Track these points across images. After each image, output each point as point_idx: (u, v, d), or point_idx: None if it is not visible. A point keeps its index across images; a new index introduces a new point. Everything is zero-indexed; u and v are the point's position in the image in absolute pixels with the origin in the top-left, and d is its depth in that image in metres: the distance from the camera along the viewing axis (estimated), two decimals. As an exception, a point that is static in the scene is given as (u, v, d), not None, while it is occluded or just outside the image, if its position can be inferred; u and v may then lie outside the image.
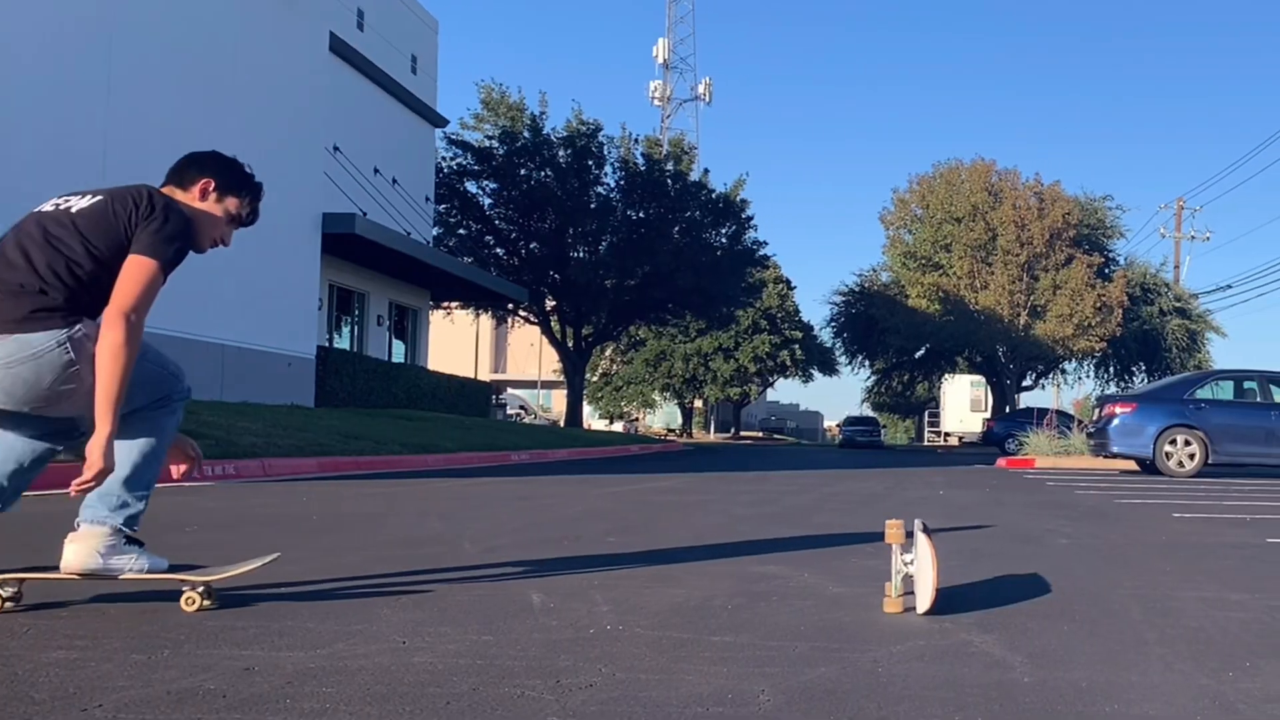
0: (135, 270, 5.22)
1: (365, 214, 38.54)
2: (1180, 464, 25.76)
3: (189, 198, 5.62)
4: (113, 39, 25.60)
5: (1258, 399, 26.85)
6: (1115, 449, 26.92)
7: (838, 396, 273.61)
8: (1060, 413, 59.02)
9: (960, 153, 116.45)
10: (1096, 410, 29.21)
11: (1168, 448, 25.98)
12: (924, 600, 5.33)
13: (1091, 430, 28.82)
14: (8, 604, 5.28)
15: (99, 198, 5.38)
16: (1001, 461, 35.05)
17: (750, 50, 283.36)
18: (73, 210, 5.35)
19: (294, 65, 32.60)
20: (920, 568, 5.33)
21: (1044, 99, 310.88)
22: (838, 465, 30.74)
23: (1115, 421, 26.78)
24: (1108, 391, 70.02)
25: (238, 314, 29.66)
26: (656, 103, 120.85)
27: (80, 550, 5.31)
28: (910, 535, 5.40)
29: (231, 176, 5.71)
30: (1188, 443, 25.93)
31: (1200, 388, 27.40)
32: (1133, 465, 28.54)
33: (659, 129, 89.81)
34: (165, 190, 5.60)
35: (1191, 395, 26.95)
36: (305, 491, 14.77)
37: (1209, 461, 26.02)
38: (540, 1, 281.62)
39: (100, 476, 5.07)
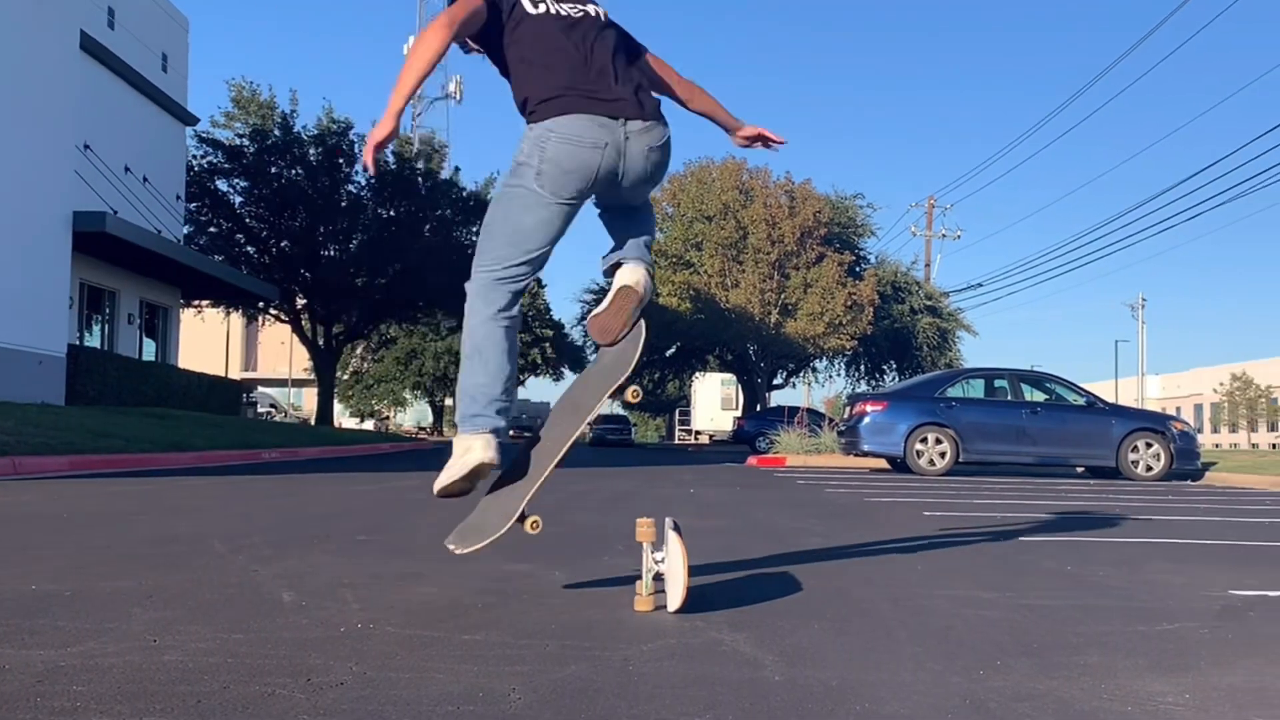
0: None
1: (116, 212, 37.98)
2: (931, 462, 26.16)
3: None
4: None
5: (1008, 397, 27.39)
6: (866, 447, 27.23)
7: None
8: (811, 411, 59.59)
9: (712, 151, 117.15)
10: (847, 409, 29.47)
11: (918, 446, 26.37)
12: (675, 598, 5.28)
13: (842, 429, 29.07)
14: None
15: None
16: (752, 460, 35.28)
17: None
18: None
19: (43, 63, 32.09)
20: (671, 566, 5.28)
21: (795, 97, 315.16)
22: (589, 464, 30.75)
23: (866, 420, 27.08)
24: (858, 390, 70.91)
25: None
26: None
27: None
28: (661, 533, 5.34)
29: None
30: (939, 441, 26.35)
31: (951, 386, 27.84)
32: (884, 464, 28.90)
33: (410, 127, 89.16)
34: None
35: (942, 394, 27.37)
36: (56, 490, 14.47)
37: (960, 460, 26.52)
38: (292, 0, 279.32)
39: None
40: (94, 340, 40.96)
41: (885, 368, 75.19)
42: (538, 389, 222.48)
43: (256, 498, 14.31)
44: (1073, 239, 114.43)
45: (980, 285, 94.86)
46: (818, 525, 11.42)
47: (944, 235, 75.02)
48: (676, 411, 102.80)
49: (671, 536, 5.18)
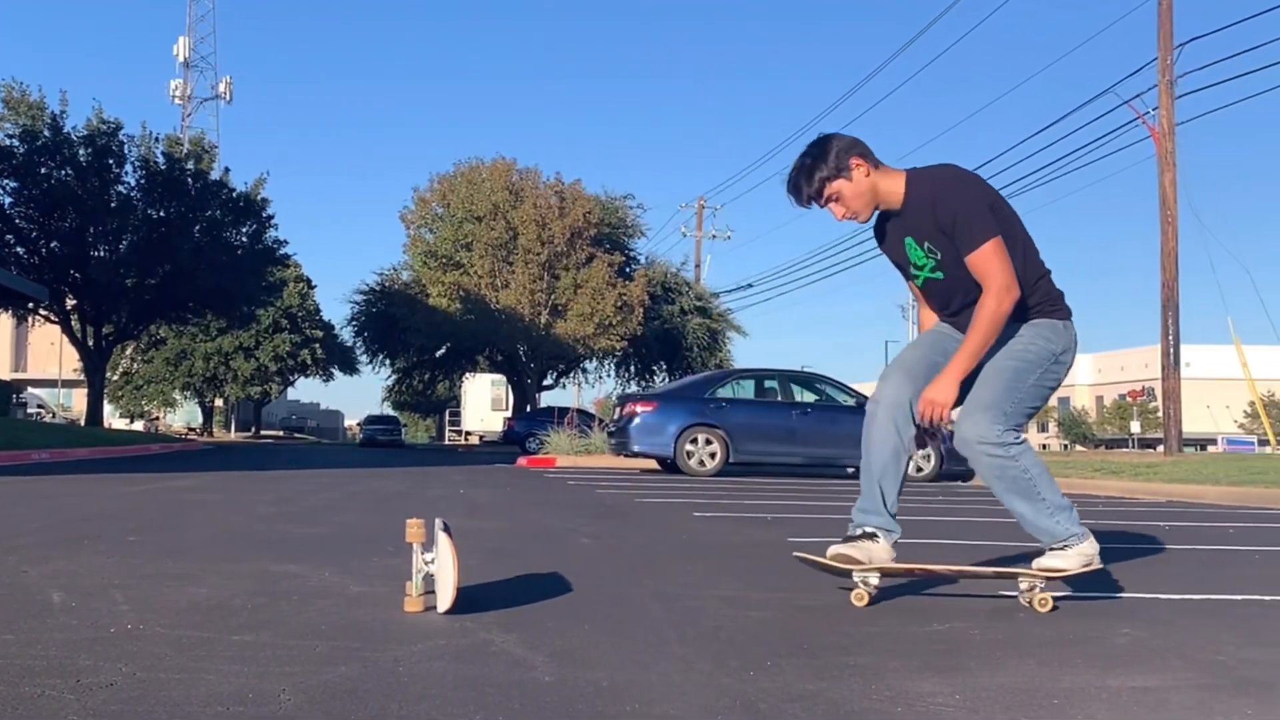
0: None
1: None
2: (701, 463, 26.13)
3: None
4: None
5: (778, 398, 27.46)
6: (636, 448, 27.07)
7: (359, 395, 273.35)
8: (581, 411, 59.60)
9: (483, 151, 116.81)
10: (618, 409, 29.31)
11: (689, 447, 26.32)
12: (445, 599, 5.23)
13: (612, 429, 28.93)
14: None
15: None
16: (522, 461, 34.95)
17: (272, 49, 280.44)
18: None
19: None
20: (441, 567, 5.23)
21: (563, 95, 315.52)
22: (359, 464, 30.58)
23: (636, 420, 26.92)
24: (628, 390, 71.02)
25: None
26: (177, 101, 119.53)
27: None
28: (431, 534, 5.29)
29: None
30: (709, 441, 26.33)
31: (721, 387, 27.85)
32: (654, 464, 28.86)
33: (180, 128, 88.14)
34: None
35: (713, 394, 27.36)
36: None
37: (730, 460, 26.46)
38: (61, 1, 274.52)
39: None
40: None
41: (655, 368, 75.12)
42: (308, 390, 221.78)
43: (26, 499, 14.01)
44: (843, 239, 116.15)
45: (750, 286, 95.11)
46: (587, 526, 11.39)
47: (714, 236, 75.56)
48: (447, 412, 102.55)
49: (441, 537, 5.13)
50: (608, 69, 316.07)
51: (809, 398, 27.87)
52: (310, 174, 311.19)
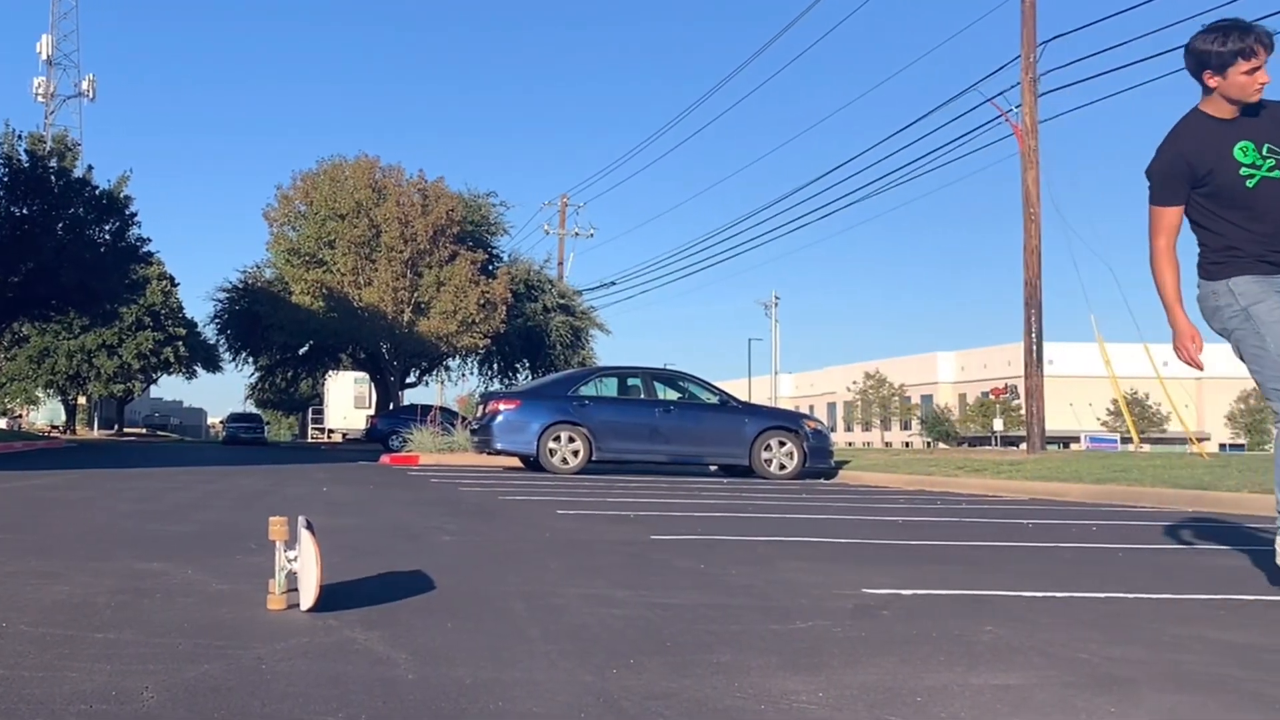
0: None
1: None
2: (564, 461, 26.08)
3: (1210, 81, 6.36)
4: None
5: (641, 396, 27.42)
6: (499, 446, 26.96)
7: (222, 393, 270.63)
8: (444, 410, 59.46)
9: (346, 149, 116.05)
10: (480, 407, 29.15)
11: (551, 444, 26.25)
12: (308, 597, 5.19)
13: (475, 427, 28.77)
14: None
15: None
16: (385, 459, 34.77)
17: (135, 47, 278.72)
18: None
19: None
20: (304, 565, 5.19)
21: (427, 93, 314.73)
22: (221, 462, 30.40)
23: (499, 418, 26.82)
24: (491, 388, 70.98)
25: None
26: (40, 99, 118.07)
27: None
28: (294, 532, 5.26)
29: (1217, 57, 6.24)
30: (571, 439, 26.28)
31: (584, 385, 27.81)
32: (517, 462, 28.81)
33: (43, 125, 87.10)
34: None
35: (575, 392, 27.32)
36: None
37: (593, 458, 26.37)
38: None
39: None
40: None
41: (519, 366, 74.86)
42: (171, 388, 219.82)
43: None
44: (705, 237, 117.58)
45: (614, 284, 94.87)
46: (451, 523, 11.33)
47: (577, 234, 75.24)
48: (310, 410, 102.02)
49: (304, 535, 5.09)
50: (473, 69, 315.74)
51: (672, 395, 27.78)
52: (173, 172, 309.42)
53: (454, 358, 72.45)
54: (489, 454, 28.21)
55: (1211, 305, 6.48)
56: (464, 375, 79.79)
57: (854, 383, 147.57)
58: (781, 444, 26.62)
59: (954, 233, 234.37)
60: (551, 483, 21.41)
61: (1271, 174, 6.21)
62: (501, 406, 27.23)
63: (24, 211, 57.28)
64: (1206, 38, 6.12)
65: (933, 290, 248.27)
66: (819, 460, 26.93)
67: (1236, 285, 6.34)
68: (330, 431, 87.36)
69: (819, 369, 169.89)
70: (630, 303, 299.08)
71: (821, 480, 26.23)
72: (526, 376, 74.46)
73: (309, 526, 5.14)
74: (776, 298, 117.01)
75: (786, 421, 27.88)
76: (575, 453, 26.26)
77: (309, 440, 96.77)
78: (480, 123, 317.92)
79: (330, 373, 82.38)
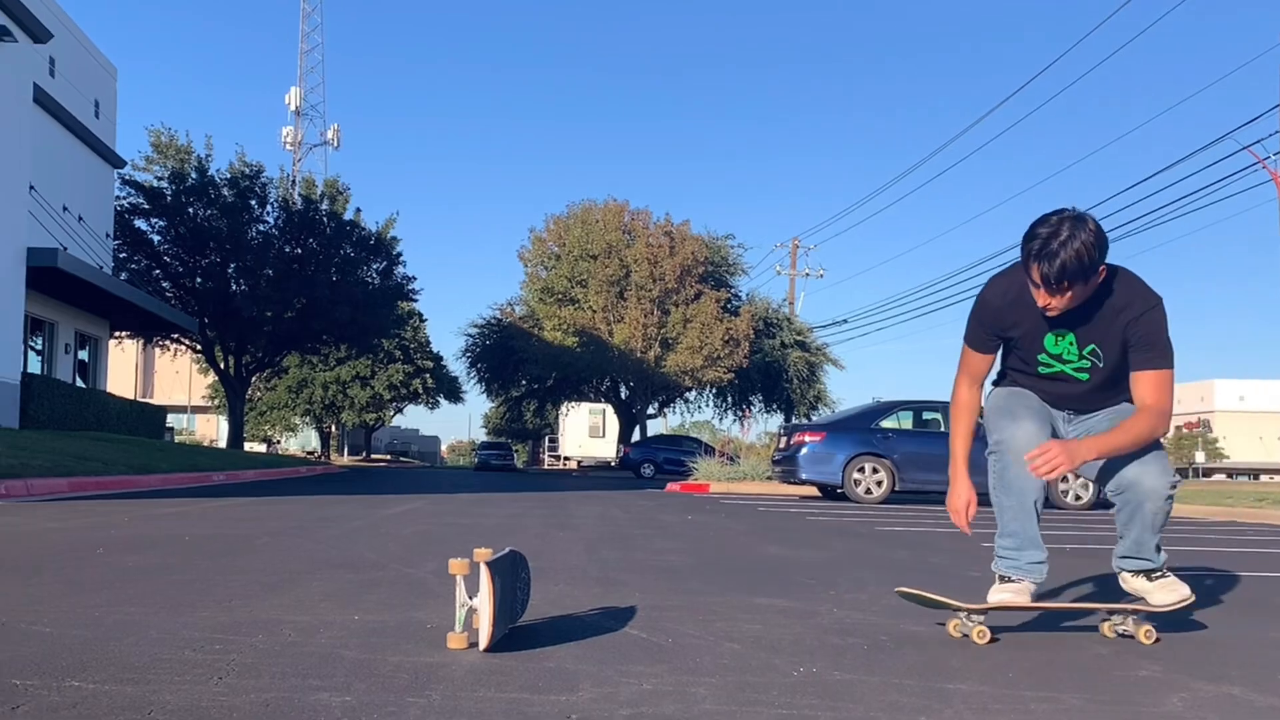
0: None
1: (66, 249, 37.75)
2: (868, 491, 26.18)
3: None
4: None
5: (940, 428, 27.35)
6: (804, 476, 27.11)
7: (452, 421, 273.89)
8: (689, 438, 60.04)
9: (593, 194, 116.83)
10: (784, 439, 29.16)
11: (856, 475, 26.38)
12: (484, 636, 4.87)
13: (779, 458, 28.72)
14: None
15: None
16: (674, 486, 34.91)
17: (378, 101, 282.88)
18: None
19: (2, 110, 31.97)
20: (481, 603, 4.88)
21: (673, 137, 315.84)
22: (519, 488, 30.69)
23: (804, 450, 26.94)
24: (728, 420, 71.99)
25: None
26: (289, 147, 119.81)
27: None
28: (476, 570, 4.93)
29: (1023, 247, 5.51)
30: (875, 470, 26.37)
31: (885, 418, 27.75)
32: (812, 491, 28.93)
33: (291, 172, 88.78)
34: None
35: (878, 425, 27.33)
36: (96, 511, 14.31)
37: (895, 489, 26.55)
38: (188, 52, 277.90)
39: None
40: (34, 368, 40.47)
41: (752, 399, 75.15)
42: (410, 416, 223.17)
43: (313, 521, 14.11)
44: (936, 281, 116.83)
45: (845, 321, 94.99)
46: (875, 548, 11.40)
47: (807, 274, 75.12)
48: (546, 438, 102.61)
49: (483, 573, 4.83)
50: (711, 117, 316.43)
51: (967, 428, 27.62)
52: (415, 214, 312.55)
53: (694, 390, 72.75)
54: (792, 484, 28.30)
55: None
56: (700, 407, 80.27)
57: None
58: (1076, 475, 26.43)
59: (1170, 275, 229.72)
60: (866, 511, 21.57)
61: (1076, 374, 5.85)
62: (807, 438, 27.33)
63: (298, 251, 58.60)
64: (1031, 229, 5.44)
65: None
66: None
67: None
68: (565, 459, 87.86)
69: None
70: (863, 339, 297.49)
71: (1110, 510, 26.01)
72: (760, 409, 74.80)
73: (489, 565, 4.87)
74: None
75: None
76: (879, 483, 26.34)
77: (544, 466, 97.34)
78: (716, 170, 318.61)
79: (566, 404, 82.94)
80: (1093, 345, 5.68)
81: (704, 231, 71.11)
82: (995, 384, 6.31)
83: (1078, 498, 26.30)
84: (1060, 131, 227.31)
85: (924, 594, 5.88)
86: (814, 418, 63.45)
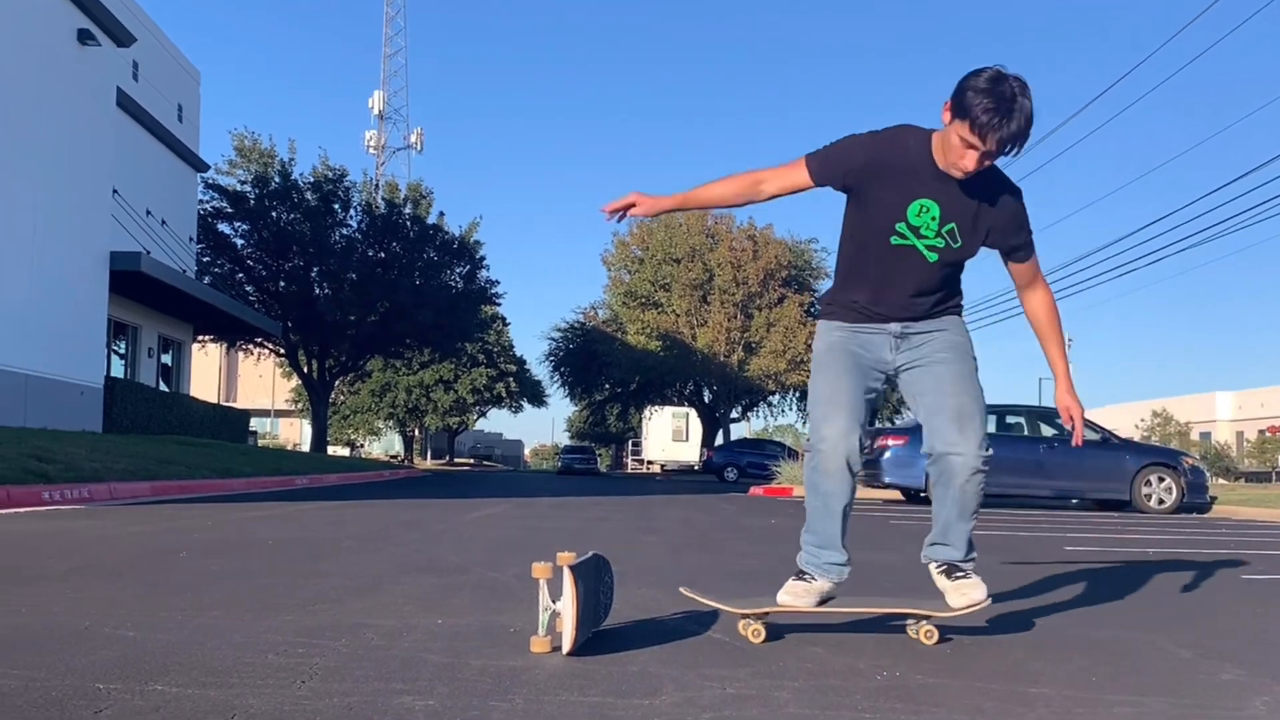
0: None
1: (149, 253, 38.07)
2: (951, 494, 26.03)
3: (943, 115, 5.15)
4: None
5: (1024, 432, 27.24)
6: (887, 480, 27.07)
7: (534, 425, 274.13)
8: (772, 442, 60.03)
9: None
10: (867, 442, 28.97)
11: (938, 479, 26.21)
12: (567, 640, 4.83)
13: (861, 461, 28.59)
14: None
15: None
16: (757, 490, 34.96)
17: (462, 103, 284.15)
18: None
19: (85, 115, 32.29)
20: (564, 607, 4.82)
21: (755, 143, 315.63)
22: (602, 492, 30.69)
23: (888, 454, 26.83)
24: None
25: (37, 345, 29.33)
26: (372, 151, 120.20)
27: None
28: (559, 574, 4.91)
29: (961, 100, 4.99)
30: (958, 474, 26.21)
31: None
32: (896, 495, 28.87)
33: (375, 176, 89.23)
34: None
35: None
36: (186, 514, 14.41)
37: None
38: (272, 57, 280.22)
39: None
40: (117, 372, 40.81)
41: (835, 402, 74.91)
42: (498, 421, 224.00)
43: (401, 524, 14.18)
44: (1009, 289, 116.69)
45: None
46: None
47: (885, 278, 74.71)
48: (630, 442, 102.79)
49: (566, 577, 4.82)
50: (796, 115, 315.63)
51: (1050, 432, 27.61)
52: (496, 218, 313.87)
53: (777, 394, 72.69)
54: (876, 488, 28.23)
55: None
56: (783, 410, 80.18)
57: (1141, 420, 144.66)
58: (1160, 479, 26.33)
59: (1232, 280, 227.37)
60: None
61: (926, 252, 5.42)
62: (890, 442, 27.21)
63: (381, 255, 58.85)
64: (977, 76, 5.01)
65: (1208, 329, 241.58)
66: (1196, 495, 26.54)
67: (824, 327, 5.81)
68: (649, 463, 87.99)
69: (1101, 407, 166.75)
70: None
71: (1195, 515, 25.88)
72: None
73: (572, 569, 4.86)
74: (1070, 339, 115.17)
75: (1166, 458, 27.58)
76: (962, 486, 26.18)
77: (628, 470, 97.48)
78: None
79: (650, 408, 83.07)
80: (952, 224, 5.35)
81: (787, 235, 71.30)
82: (825, 306, 5.87)
83: (1160, 501, 26.19)
84: (1150, 131, 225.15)
85: (699, 598, 5.78)
86: (897, 422, 63.22)
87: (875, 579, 8.43)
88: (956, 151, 5.07)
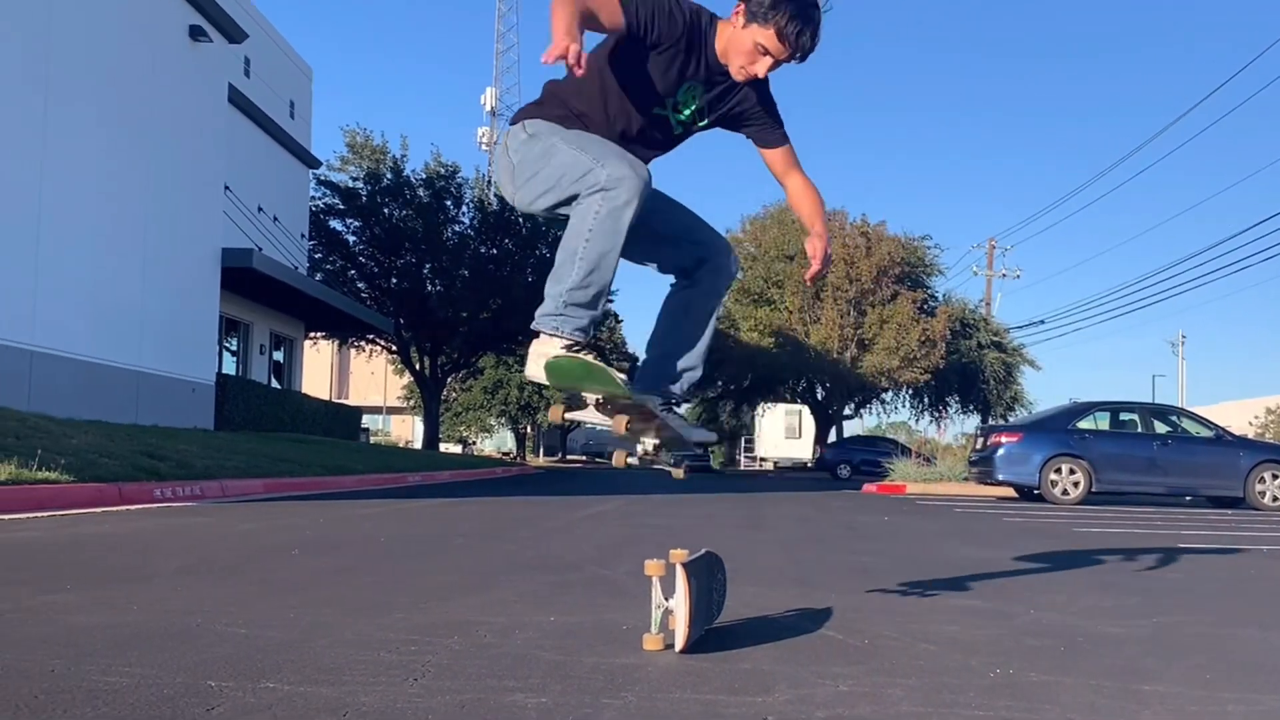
0: None
1: (261, 249, 38.41)
2: (1065, 492, 26.09)
3: (732, 23, 5.02)
4: (50, 85, 25.42)
5: (1138, 430, 27.15)
6: (1001, 477, 27.18)
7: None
8: (885, 439, 59.91)
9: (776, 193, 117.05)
10: (981, 439, 29.20)
11: (1053, 476, 26.31)
12: (680, 638, 4.83)
13: (975, 459, 28.86)
14: None
15: None
16: (870, 487, 35.07)
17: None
18: None
19: (196, 112, 32.59)
20: (677, 605, 4.82)
21: (867, 140, 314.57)
22: (715, 489, 30.73)
23: (1001, 451, 26.99)
24: (923, 420, 71.97)
25: (150, 343, 29.67)
26: (484, 148, 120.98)
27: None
28: (671, 571, 4.88)
29: (763, 6, 4.88)
30: (1072, 471, 26.27)
31: (1082, 419, 27.64)
32: (1008, 492, 28.80)
33: (487, 172, 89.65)
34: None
35: (1074, 426, 27.22)
36: (298, 512, 14.51)
37: (1092, 490, 26.30)
38: (382, 52, 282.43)
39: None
40: (229, 369, 41.20)
41: (949, 400, 74.88)
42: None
43: (514, 520, 14.25)
44: (1132, 283, 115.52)
45: (1043, 322, 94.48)
46: (1125, 562, 11.25)
47: (1004, 275, 74.53)
48: (742, 440, 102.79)
49: (679, 574, 4.80)
50: (910, 116, 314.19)
51: (1163, 429, 27.48)
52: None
53: (891, 391, 72.50)
54: (989, 484, 28.24)
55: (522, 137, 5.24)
56: (896, 408, 79.98)
57: (1255, 418, 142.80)
58: (1275, 476, 26.14)
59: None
60: (1061, 512, 21.39)
61: (675, 125, 5.27)
62: (1004, 439, 27.34)
63: (493, 252, 59.00)
64: None
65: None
66: None
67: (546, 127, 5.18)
68: (762, 460, 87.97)
69: (1213, 404, 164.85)
70: (1060, 340, 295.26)
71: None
72: (957, 410, 74.38)
73: (685, 566, 4.84)
74: (1183, 336, 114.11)
75: None
76: (1075, 484, 26.24)
77: (740, 468, 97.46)
78: (912, 171, 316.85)
79: (762, 405, 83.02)
80: (701, 104, 5.26)
81: (900, 232, 70.98)
82: (545, 110, 5.27)
83: (1275, 499, 26.17)
84: (1265, 128, 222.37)
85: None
86: (1011, 419, 62.82)
87: (984, 576, 8.39)
88: (748, 55, 5.02)
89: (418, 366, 61.87)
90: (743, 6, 4.95)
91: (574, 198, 4.97)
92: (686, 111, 5.27)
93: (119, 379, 28.23)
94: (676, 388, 5.55)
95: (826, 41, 4.97)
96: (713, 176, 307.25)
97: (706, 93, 5.24)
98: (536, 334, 4.75)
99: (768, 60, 4.99)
